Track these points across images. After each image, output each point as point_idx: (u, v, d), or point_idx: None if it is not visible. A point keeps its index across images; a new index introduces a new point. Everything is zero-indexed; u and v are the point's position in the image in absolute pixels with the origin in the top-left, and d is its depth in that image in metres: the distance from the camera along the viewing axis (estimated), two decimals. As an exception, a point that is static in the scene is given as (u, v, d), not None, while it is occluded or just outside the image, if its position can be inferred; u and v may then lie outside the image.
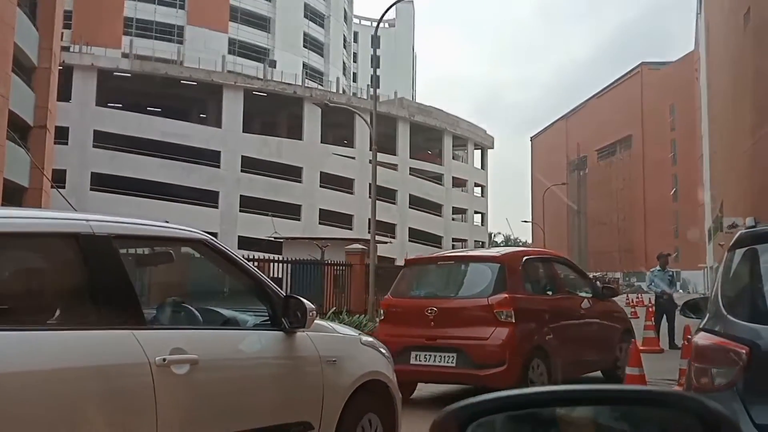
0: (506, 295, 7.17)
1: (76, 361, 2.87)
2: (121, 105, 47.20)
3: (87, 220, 3.22)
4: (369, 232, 47.87)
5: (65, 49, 45.10)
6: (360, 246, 15.43)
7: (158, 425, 3.04)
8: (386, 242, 36.84)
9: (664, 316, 13.20)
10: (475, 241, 60.61)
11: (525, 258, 8.06)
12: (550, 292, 8.21)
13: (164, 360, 3.10)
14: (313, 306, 3.91)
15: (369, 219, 50.69)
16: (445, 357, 7.19)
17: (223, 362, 3.54)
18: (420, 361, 7.29)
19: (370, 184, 51.86)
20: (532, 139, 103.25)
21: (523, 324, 7.16)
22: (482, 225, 65.89)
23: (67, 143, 42.34)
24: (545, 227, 75.15)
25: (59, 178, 40.77)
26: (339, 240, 30.06)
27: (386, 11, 20.34)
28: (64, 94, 42.40)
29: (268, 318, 3.88)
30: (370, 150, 52.00)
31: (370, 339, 4.78)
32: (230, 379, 3.55)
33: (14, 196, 28.12)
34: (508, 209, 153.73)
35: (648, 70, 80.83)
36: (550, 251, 11.28)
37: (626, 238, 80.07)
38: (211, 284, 4.94)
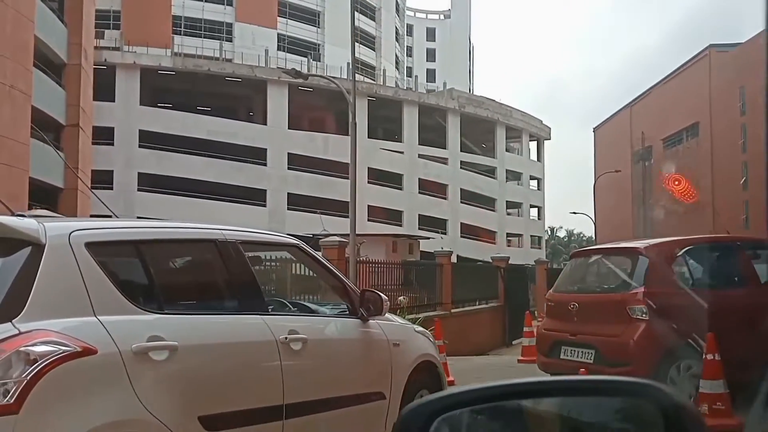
0: (639, 291, 6.83)
1: (236, 337, 3.75)
2: (171, 105, 47.04)
3: (220, 230, 4.07)
4: (419, 229, 46.78)
5: (116, 49, 45.30)
6: (337, 240, 14.03)
7: (284, 387, 3.88)
8: (429, 238, 35.29)
9: None
10: (531, 236, 58.38)
11: (679, 248, 7.33)
12: (727, 284, 7.24)
13: (285, 338, 3.96)
14: (386, 297, 4.81)
15: (419, 215, 49.72)
16: (585, 353, 7.19)
17: (323, 342, 4.44)
18: (567, 356, 7.35)
19: (420, 179, 50.96)
20: (594, 129, 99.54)
21: (660, 321, 6.66)
22: (539, 219, 63.44)
23: (113, 143, 42.35)
24: (610, 220, 72.31)
25: (106, 179, 40.79)
26: (377, 236, 28.76)
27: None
28: (108, 95, 42.48)
29: (346, 309, 4.74)
30: (419, 144, 50.67)
31: (421, 328, 5.72)
32: (328, 355, 4.45)
33: (49, 197, 27.85)
34: (568, 203, 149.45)
35: (716, 52, 76.35)
36: (739, 236, 10.45)
37: (694, 230, 76.01)
38: (300, 282, 5.95)
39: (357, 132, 49.80)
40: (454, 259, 42.81)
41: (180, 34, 52.56)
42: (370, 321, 4.73)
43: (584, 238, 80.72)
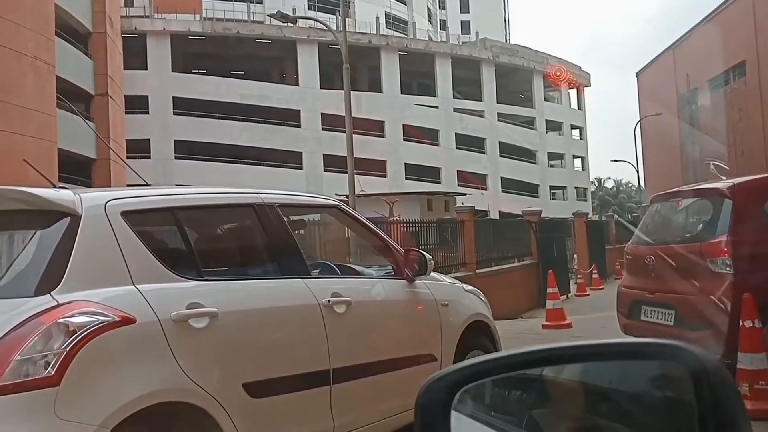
0: (722, 239, 5.84)
1: (277, 302, 3.70)
2: (204, 70, 46.90)
3: (258, 194, 3.98)
4: (459, 185, 46.05)
5: (145, 17, 45.17)
6: (337, 199, 13.51)
7: (329, 351, 3.77)
8: (465, 194, 34.57)
9: None
10: (576, 188, 57.06)
11: None
12: None
13: (328, 302, 3.85)
14: (430, 257, 4.70)
15: (458, 171, 48.94)
16: (664, 314, 6.35)
17: (368, 304, 4.34)
18: (647, 317, 6.52)
19: (456, 134, 50.06)
20: (637, 74, 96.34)
21: (748, 275, 5.61)
22: (583, 170, 61.88)
23: (148, 112, 42.49)
24: (657, 166, 70.29)
25: (144, 148, 41.07)
26: (410, 194, 28.26)
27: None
28: (141, 63, 42.49)
29: (391, 270, 4.62)
30: (454, 98, 49.67)
31: (471, 287, 5.51)
32: (374, 317, 4.36)
33: (81, 168, 28.06)
34: (613, 152, 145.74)
35: (762, -14, 72.40)
36: None
37: (746, 172, 73.22)
38: (344, 243, 5.78)
39: (387, 88, 48.77)
40: (495, 214, 42.52)
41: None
42: (417, 281, 4.61)
43: (632, 188, 78.58)
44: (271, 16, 19.45)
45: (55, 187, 3.45)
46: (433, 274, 4.89)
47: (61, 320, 2.75)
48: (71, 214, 3.07)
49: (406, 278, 4.56)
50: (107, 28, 30.03)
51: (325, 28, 45.87)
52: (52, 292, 2.84)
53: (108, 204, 3.21)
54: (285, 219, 4.04)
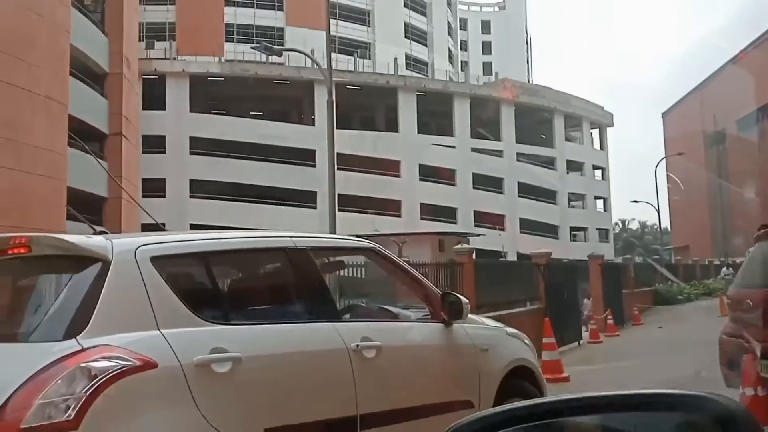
0: None
1: (303, 346, 3.67)
2: (224, 111, 47.38)
3: (290, 237, 4.06)
4: (475, 225, 45.51)
5: (165, 59, 45.92)
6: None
7: (357, 396, 3.76)
8: (479, 235, 34.02)
9: None
10: (598, 229, 56.17)
11: None
12: None
13: (357, 346, 3.82)
14: (467, 300, 4.60)
15: (475, 211, 48.44)
16: None
17: (400, 349, 4.25)
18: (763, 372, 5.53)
19: (474, 173, 49.69)
20: (663, 115, 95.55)
21: None
22: (605, 211, 60.97)
23: (164, 152, 42.84)
24: (684, 208, 69.04)
25: (159, 187, 41.29)
26: (421, 234, 27.80)
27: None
28: (160, 104, 43.02)
29: (428, 312, 4.51)
30: (473, 137, 49.46)
31: (514, 330, 5.33)
32: (406, 362, 4.24)
33: (92, 207, 28.08)
34: (637, 193, 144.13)
35: (790, 25, 71.65)
36: None
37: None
38: (380, 285, 5.73)
39: (404, 127, 48.73)
40: (513, 256, 41.79)
41: (233, 42, 52.98)
42: (454, 325, 4.50)
43: (657, 230, 77.18)
44: (254, 48, 19.47)
45: (94, 232, 3.52)
46: (473, 317, 4.88)
47: (83, 364, 2.83)
48: (102, 260, 3.15)
49: (443, 321, 4.47)
50: (124, 69, 30.39)
51: (342, 69, 46.15)
52: (77, 337, 2.93)
53: (138, 249, 3.28)
54: (316, 262, 4.11)
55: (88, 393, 2.77)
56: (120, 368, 2.87)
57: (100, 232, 3.53)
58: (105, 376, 2.83)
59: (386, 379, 4.03)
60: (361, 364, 3.80)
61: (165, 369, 3.00)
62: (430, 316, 4.51)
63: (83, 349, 2.88)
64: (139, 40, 39.56)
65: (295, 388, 3.58)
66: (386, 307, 4.90)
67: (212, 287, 3.70)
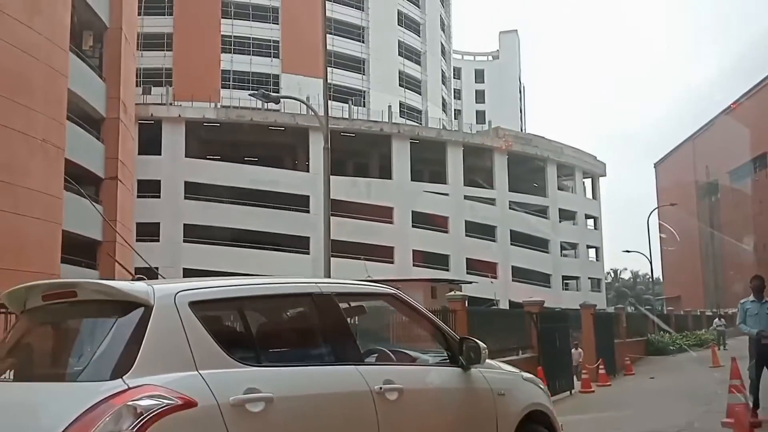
0: None
1: (330, 388, 3.86)
2: (219, 156, 47.72)
3: (316, 283, 4.38)
4: (467, 273, 45.52)
5: (162, 105, 46.38)
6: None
7: None
8: (471, 282, 34.01)
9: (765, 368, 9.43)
10: (590, 278, 56.23)
11: None
12: None
13: (380, 389, 4.01)
14: (485, 345, 4.69)
15: (467, 258, 48.52)
16: None
17: (421, 391, 4.41)
18: None
19: (467, 221, 49.86)
20: (656, 165, 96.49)
21: None
22: (597, 260, 61.13)
23: (159, 196, 42.97)
24: (676, 259, 69.15)
25: (153, 231, 41.31)
26: (413, 281, 27.80)
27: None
28: (156, 148, 43.33)
29: (446, 357, 4.69)
30: (466, 185, 49.76)
31: (530, 375, 5.51)
32: (426, 405, 4.40)
33: (86, 250, 28.09)
34: (629, 243, 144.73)
35: (781, 78, 72.71)
36: None
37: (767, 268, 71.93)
38: (400, 329, 5.84)
39: (397, 174, 49.04)
40: (505, 303, 41.73)
41: (229, 88, 53.65)
42: (472, 369, 4.68)
43: (649, 279, 77.34)
44: (253, 95, 19.75)
45: (134, 278, 3.73)
46: (490, 362, 4.96)
47: (130, 403, 3.02)
48: (145, 305, 3.37)
49: (461, 366, 4.64)
50: (120, 114, 30.71)
51: (337, 116, 46.62)
52: (124, 377, 3.12)
53: (177, 295, 3.49)
54: (341, 307, 4.30)
55: (134, 430, 2.97)
56: (163, 407, 3.06)
57: (139, 278, 3.71)
58: (150, 414, 3.02)
59: (407, 421, 4.17)
60: (384, 406, 3.96)
61: (204, 408, 3.20)
62: (449, 361, 4.67)
63: (129, 389, 3.07)
64: (136, 86, 40.05)
65: (322, 427, 3.76)
66: (407, 351, 5.04)
67: (245, 330, 3.94)
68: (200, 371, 3.31)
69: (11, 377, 3.56)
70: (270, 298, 4.17)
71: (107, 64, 30.51)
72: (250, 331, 3.95)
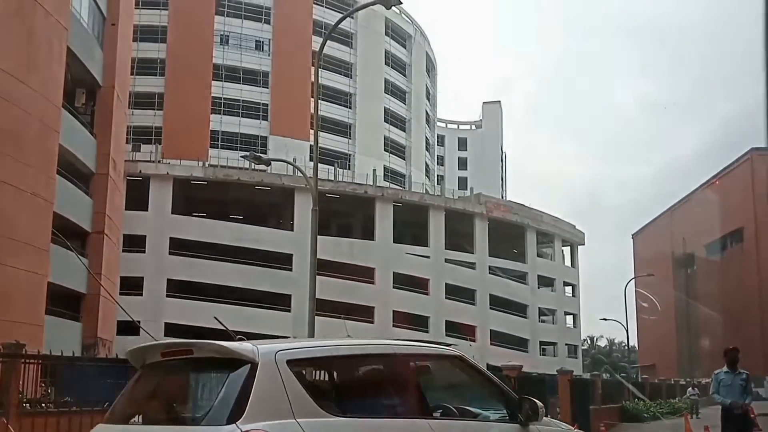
0: None
1: None
2: (204, 213, 48.25)
3: (390, 345, 4.94)
4: (447, 335, 45.78)
5: (150, 162, 47.08)
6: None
7: None
8: (450, 345, 34.28)
9: None
10: (567, 344, 56.60)
11: None
12: None
13: None
14: (542, 404, 5.10)
15: (446, 321, 48.87)
16: None
17: None
18: None
19: (447, 284, 50.33)
20: (633, 236, 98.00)
21: None
22: (574, 327, 61.67)
23: (144, 251, 43.24)
24: (652, 328, 69.52)
25: (137, 285, 41.43)
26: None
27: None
28: (143, 205, 43.83)
29: (506, 414, 5.08)
30: (446, 249, 50.34)
31: None
32: None
33: (72, 302, 28.19)
34: (606, 311, 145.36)
35: (758, 156, 74.77)
36: None
37: (742, 341, 72.58)
38: (461, 388, 6.12)
39: (380, 236, 49.47)
40: (483, 367, 41.92)
41: (217, 148, 54.60)
42: (530, 426, 5.07)
43: (625, 347, 77.78)
44: (244, 157, 20.48)
45: (234, 338, 4.32)
46: (546, 419, 5.38)
47: None
48: (251, 362, 3.96)
49: (520, 422, 5.04)
50: (110, 170, 31.20)
51: (323, 178, 47.40)
52: (237, 422, 3.71)
53: (277, 354, 4.08)
54: (412, 366, 4.92)
55: None
56: None
57: (240, 339, 4.33)
58: None
59: None
60: None
61: None
62: (508, 418, 5.10)
63: None
64: (126, 142, 40.75)
65: None
66: (469, 408, 5.50)
67: (331, 384, 4.58)
68: (297, 419, 3.88)
69: (140, 421, 4.28)
70: (352, 357, 4.75)
71: (98, 121, 31.11)
72: (336, 386, 4.58)
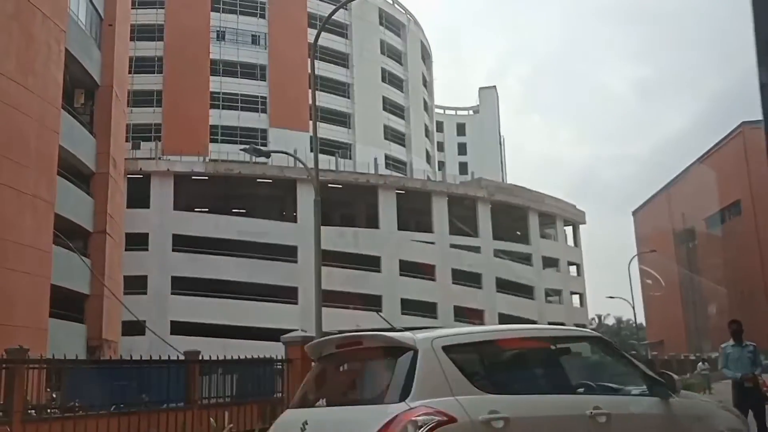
0: None
1: (553, 411, 4.82)
2: (207, 209, 48.14)
3: (536, 329, 6.22)
4: (455, 320, 45.75)
5: (150, 159, 46.93)
6: (300, 336, 13.60)
7: None
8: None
9: (750, 412, 9.22)
10: (575, 324, 56.51)
11: None
12: None
13: (591, 413, 4.86)
14: (679, 377, 5.61)
15: (455, 306, 48.82)
16: None
17: (626, 416, 5.16)
18: None
19: (453, 269, 50.27)
20: (633, 213, 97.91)
21: None
22: (581, 306, 61.63)
23: (147, 249, 43.14)
24: (658, 304, 69.53)
25: (141, 284, 41.35)
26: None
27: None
28: (144, 202, 43.70)
29: (645, 389, 5.43)
30: (451, 234, 50.28)
31: (727, 406, 6.38)
32: (631, 428, 5.17)
33: (75, 303, 28.10)
34: (612, 289, 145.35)
35: (750, 129, 74.75)
36: None
37: (747, 312, 72.50)
38: (604, 366, 6.42)
39: (384, 224, 49.28)
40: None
41: (217, 142, 54.40)
42: (671, 399, 5.39)
43: (633, 325, 77.78)
44: (243, 150, 20.29)
45: (393, 329, 4.94)
46: (684, 392, 5.79)
47: (413, 418, 4.20)
48: (413, 349, 4.54)
49: (660, 396, 5.39)
50: (110, 169, 31.07)
51: (324, 168, 47.24)
52: (406, 400, 4.31)
53: (434, 341, 4.64)
54: (554, 347, 5.52)
55: None
56: (435, 421, 4.21)
57: (401, 329, 4.90)
58: (427, 426, 4.18)
59: None
60: (595, 427, 4.85)
61: (462, 424, 4.31)
62: (648, 392, 5.42)
63: (411, 409, 4.25)
64: (126, 141, 40.62)
65: None
66: (609, 384, 5.80)
67: (484, 366, 5.09)
68: (455, 397, 4.40)
69: (324, 404, 5.03)
70: (500, 341, 5.34)
71: (98, 120, 31.02)
72: (486, 366, 5.11)
